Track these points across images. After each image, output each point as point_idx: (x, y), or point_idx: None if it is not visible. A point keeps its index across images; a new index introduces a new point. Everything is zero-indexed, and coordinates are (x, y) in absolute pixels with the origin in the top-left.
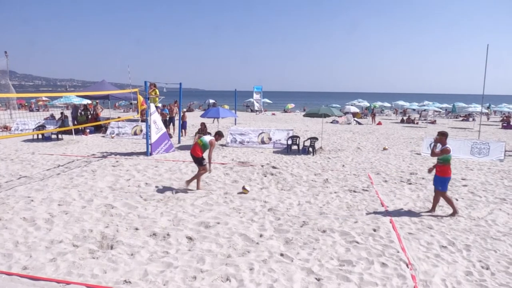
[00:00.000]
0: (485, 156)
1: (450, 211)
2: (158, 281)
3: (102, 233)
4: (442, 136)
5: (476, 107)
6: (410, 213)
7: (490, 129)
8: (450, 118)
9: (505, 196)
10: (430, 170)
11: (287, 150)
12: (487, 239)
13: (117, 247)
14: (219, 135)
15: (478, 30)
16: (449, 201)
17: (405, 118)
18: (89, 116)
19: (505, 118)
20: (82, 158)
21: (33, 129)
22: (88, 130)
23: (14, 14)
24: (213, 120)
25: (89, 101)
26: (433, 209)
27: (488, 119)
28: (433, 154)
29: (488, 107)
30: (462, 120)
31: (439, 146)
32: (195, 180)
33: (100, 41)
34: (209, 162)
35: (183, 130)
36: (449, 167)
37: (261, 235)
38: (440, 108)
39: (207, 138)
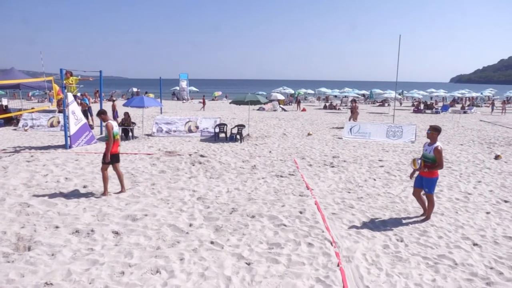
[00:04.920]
0: (399, 138)
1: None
2: (83, 280)
3: (18, 234)
4: (434, 132)
5: (390, 93)
6: (333, 195)
7: (403, 113)
8: (368, 103)
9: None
10: (411, 176)
11: (215, 138)
12: (401, 214)
13: (35, 248)
14: (103, 113)
15: (391, 19)
16: (431, 205)
17: (327, 104)
18: None
19: (416, 103)
20: None
21: None
22: None
23: None
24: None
25: None
26: (425, 211)
27: (401, 104)
28: (440, 166)
29: (401, 93)
30: (379, 106)
31: (426, 145)
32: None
33: (9, 25)
34: (107, 149)
35: (115, 119)
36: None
37: (190, 225)
38: (359, 95)
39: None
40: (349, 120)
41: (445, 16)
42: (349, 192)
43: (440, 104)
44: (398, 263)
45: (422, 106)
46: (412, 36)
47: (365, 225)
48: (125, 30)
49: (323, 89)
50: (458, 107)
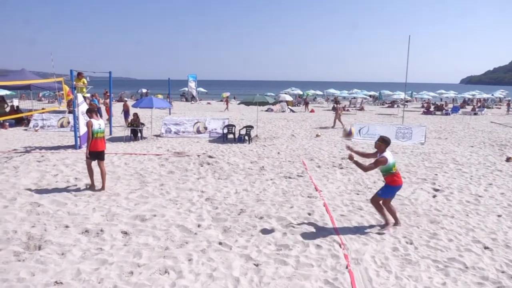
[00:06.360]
0: (408, 140)
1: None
2: (92, 280)
3: (28, 233)
4: (381, 144)
5: (399, 95)
6: (342, 196)
7: (412, 115)
8: (377, 105)
9: (426, 176)
10: (351, 157)
11: (223, 139)
12: (410, 216)
13: (45, 247)
14: (89, 111)
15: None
16: (380, 210)
17: (336, 105)
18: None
19: (425, 104)
20: (2, 153)
21: None
22: (7, 123)
23: None
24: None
25: (9, 92)
26: (395, 219)
27: (406, 105)
28: (364, 169)
29: (411, 95)
30: (388, 107)
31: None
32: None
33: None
34: (88, 146)
35: (126, 120)
36: (396, 175)
37: (199, 225)
38: (368, 96)
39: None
40: (334, 122)
41: (455, 17)
42: (358, 194)
43: (450, 105)
44: (408, 265)
45: (432, 108)
46: (422, 37)
47: (374, 227)
48: (132, 31)
49: (332, 90)
50: (468, 108)
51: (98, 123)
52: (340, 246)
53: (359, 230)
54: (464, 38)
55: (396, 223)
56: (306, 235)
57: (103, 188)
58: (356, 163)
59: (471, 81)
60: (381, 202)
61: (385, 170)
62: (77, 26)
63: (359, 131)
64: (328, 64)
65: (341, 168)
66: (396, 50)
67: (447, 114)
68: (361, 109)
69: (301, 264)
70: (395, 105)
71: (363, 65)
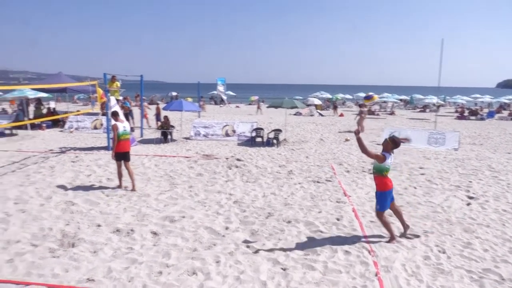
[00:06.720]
0: (441, 145)
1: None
2: (123, 278)
3: (63, 231)
4: (389, 143)
5: (432, 99)
6: (371, 202)
7: (445, 119)
8: (408, 109)
9: (459, 183)
10: (357, 132)
11: (252, 143)
12: (443, 225)
13: (79, 244)
14: (114, 114)
15: (433, 24)
16: (386, 224)
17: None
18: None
19: (459, 109)
20: (39, 154)
21: None
22: (45, 125)
23: None
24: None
25: (46, 94)
26: (403, 224)
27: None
28: (363, 149)
29: (444, 99)
30: (420, 111)
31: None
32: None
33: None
34: (113, 148)
35: (158, 122)
36: (387, 179)
37: (227, 228)
38: (399, 100)
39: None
40: (361, 127)
41: (491, 17)
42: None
43: (486, 110)
44: (440, 275)
45: (466, 112)
46: (455, 39)
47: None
48: (163, 35)
49: (362, 94)
50: (505, 113)
51: (123, 126)
52: (369, 252)
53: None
54: (501, 40)
55: (404, 226)
56: (334, 241)
57: (133, 188)
58: (360, 140)
59: (508, 85)
60: (385, 215)
61: (377, 169)
62: (111, 32)
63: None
64: (359, 67)
65: (371, 173)
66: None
67: (482, 119)
68: (392, 113)
69: (329, 270)
70: (427, 110)
71: (394, 69)
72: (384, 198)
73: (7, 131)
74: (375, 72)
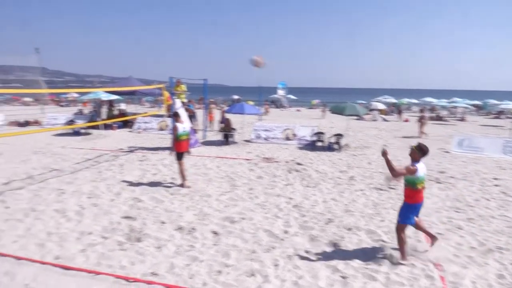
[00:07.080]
0: None
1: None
2: (184, 274)
3: (130, 226)
4: (416, 151)
5: (508, 104)
6: (439, 213)
7: None
8: (481, 115)
9: None
10: (384, 153)
11: (312, 147)
12: None
13: (144, 239)
14: (176, 115)
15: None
16: (401, 241)
17: (433, 115)
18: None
19: None
20: (110, 152)
21: (63, 124)
22: (116, 125)
23: (44, 9)
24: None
25: (117, 97)
26: (430, 237)
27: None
28: (392, 170)
29: None
30: (494, 118)
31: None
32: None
33: (126, 37)
34: (172, 147)
35: (221, 124)
36: (419, 192)
37: (286, 232)
38: (470, 105)
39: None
40: (422, 132)
41: None
42: (457, 212)
43: None
44: None
45: None
46: None
47: (475, 250)
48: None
49: (429, 99)
50: None
51: (183, 127)
52: (435, 266)
53: (458, 251)
54: None
55: (432, 238)
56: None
57: (183, 184)
58: (388, 161)
59: None
60: (405, 231)
61: (409, 181)
62: (177, 37)
63: (460, 142)
64: (426, 70)
65: (439, 182)
66: (506, 55)
67: None
68: (462, 119)
69: (391, 281)
70: (503, 116)
71: (466, 72)
72: (410, 211)
73: (83, 130)
74: (444, 75)
